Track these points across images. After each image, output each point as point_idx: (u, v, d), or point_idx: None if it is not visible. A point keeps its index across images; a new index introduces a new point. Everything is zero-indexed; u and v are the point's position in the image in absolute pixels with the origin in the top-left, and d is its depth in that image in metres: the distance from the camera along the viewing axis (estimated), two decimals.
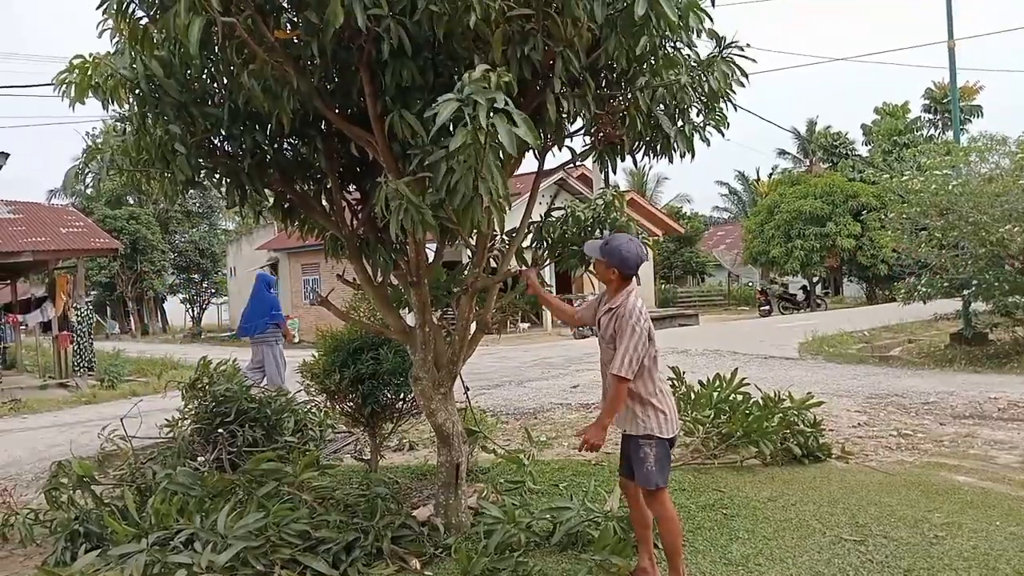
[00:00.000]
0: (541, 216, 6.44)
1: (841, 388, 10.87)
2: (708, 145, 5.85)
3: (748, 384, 7.19)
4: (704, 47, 5.44)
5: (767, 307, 32.10)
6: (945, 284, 13.82)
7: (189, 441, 6.35)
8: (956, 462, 6.74)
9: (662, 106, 5.47)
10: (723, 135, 5.86)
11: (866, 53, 60.31)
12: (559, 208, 6.55)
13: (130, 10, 4.46)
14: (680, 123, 5.54)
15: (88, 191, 35.27)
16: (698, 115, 5.68)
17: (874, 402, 9.70)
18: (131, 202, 35.90)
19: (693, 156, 5.74)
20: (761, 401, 6.96)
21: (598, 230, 6.30)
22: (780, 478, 6.29)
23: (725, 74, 5.48)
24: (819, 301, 33.86)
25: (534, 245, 6.46)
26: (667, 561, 4.20)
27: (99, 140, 5.74)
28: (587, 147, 6.03)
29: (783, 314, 31.28)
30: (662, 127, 5.44)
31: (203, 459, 6.07)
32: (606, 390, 4.28)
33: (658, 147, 5.69)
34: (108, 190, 33.45)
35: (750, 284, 44.03)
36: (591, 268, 6.35)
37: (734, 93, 5.72)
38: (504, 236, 6.41)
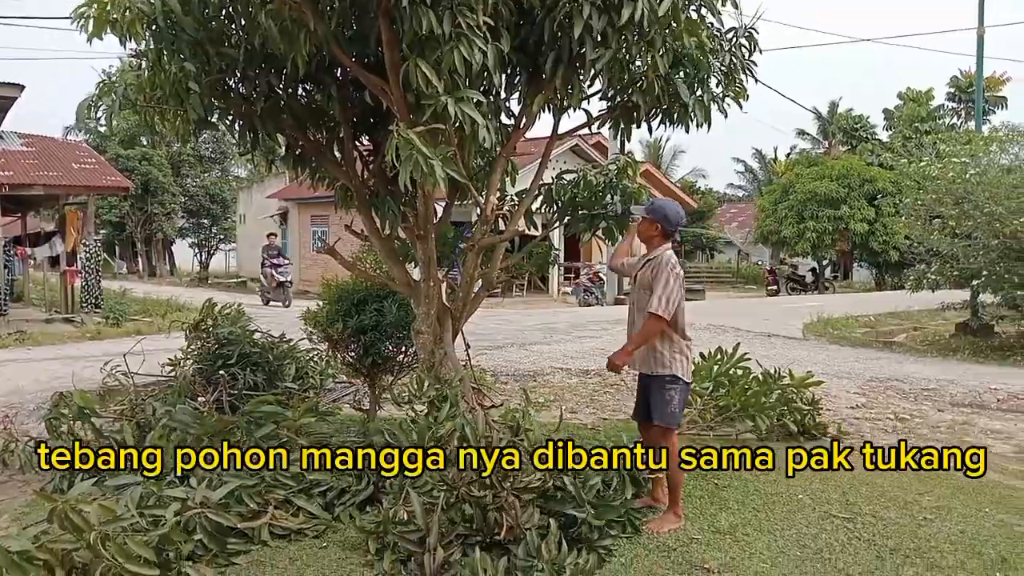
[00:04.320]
0: (552, 179, 6.41)
1: (842, 370, 10.87)
2: (726, 117, 5.80)
3: (749, 359, 7.19)
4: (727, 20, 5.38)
5: (775, 287, 32.04)
6: (955, 273, 13.75)
7: (190, 381, 6.41)
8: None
9: (681, 74, 5.41)
10: (741, 107, 5.81)
11: (893, 35, 59.41)
12: (571, 171, 6.52)
13: None
14: (699, 92, 5.48)
15: (101, 127, 35.15)
16: (717, 85, 5.63)
17: (874, 385, 9.71)
18: (144, 143, 35.77)
19: (709, 126, 5.69)
20: (761, 377, 6.97)
21: (609, 195, 6.29)
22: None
23: (744, 47, 5.44)
24: (827, 284, 33.78)
25: (544, 208, 6.45)
26: (669, 492, 4.74)
27: (114, 77, 5.71)
28: (603, 112, 5.98)
29: (790, 295, 31.23)
30: (680, 95, 5.38)
31: (203, 399, 6.12)
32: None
33: (675, 115, 5.64)
34: (122, 130, 33.33)
35: (759, 263, 43.87)
36: (599, 232, 6.36)
37: (755, 65, 5.66)
38: (514, 196, 6.40)
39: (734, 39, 5.53)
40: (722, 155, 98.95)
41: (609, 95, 5.79)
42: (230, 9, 5.13)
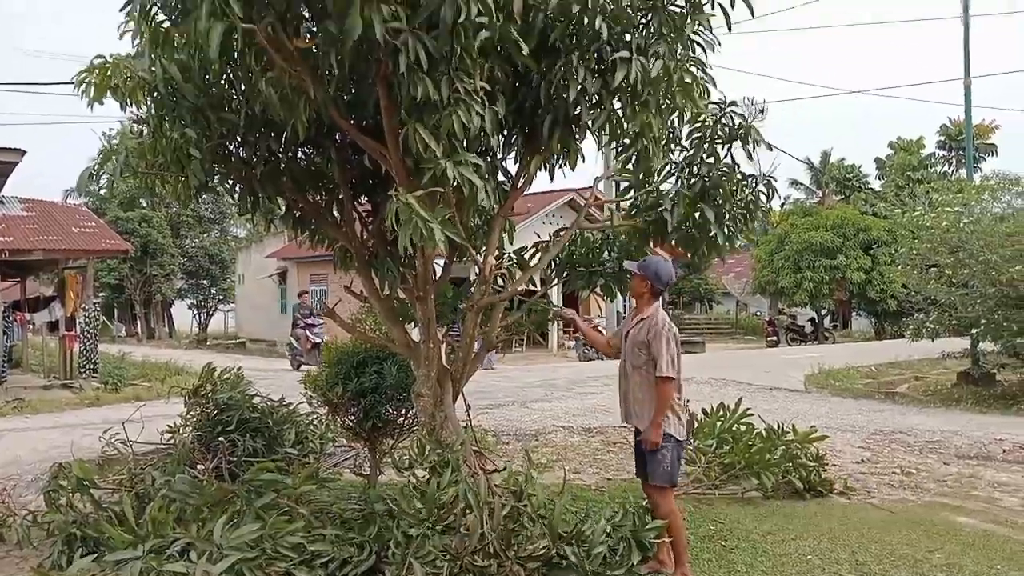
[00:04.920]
0: (550, 235, 6.42)
1: (845, 423, 10.79)
2: (731, 249, 5.85)
3: (752, 415, 7.14)
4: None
5: (774, 338, 31.98)
6: (953, 322, 13.75)
7: (190, 448, 6.32)
8: (959, 503, 6.66)
9: (712, 204, 5.47)
10: (751, 244, 5.91)
11: (881, 87, 60.41)
12: (567, 229, 6.54)
13: (152, 13, 4.50)
14: (726, 225, 5.53)
15: (102, 192, 35.45)
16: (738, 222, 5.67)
17: (878, 438, 9.62)
18: (144, 205, 35.99)
19: (723, 257, 5.83)
20: (764, 433, 6.91)
21: (606, 251, 6.30)
22: (781, 512, 6.23)
23: (763, 192, 5.54)
24: (827, 334, 33.71)
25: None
26: (674, 553, 4.66)
27: (115, 141, 5.77)
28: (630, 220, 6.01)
29: (790, 345, 31.14)
30: (706, 223, 5.45)
31: (203, 467, 6.03)
32: (626, 391, 4.85)
33: (697, 239, 5.67)
34: (122, 192, 33.56)
35: (758, 314, 43.84)
36: (598, 290, 6.36)
37: (769, 210, 5.77)
38: (511, 254, 6.40)
39: (755, 183, 5.60)
40: None
41: (642, 209, 5.86)
42: (230, 75, 5.21)
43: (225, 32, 3.95)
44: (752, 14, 4.81)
